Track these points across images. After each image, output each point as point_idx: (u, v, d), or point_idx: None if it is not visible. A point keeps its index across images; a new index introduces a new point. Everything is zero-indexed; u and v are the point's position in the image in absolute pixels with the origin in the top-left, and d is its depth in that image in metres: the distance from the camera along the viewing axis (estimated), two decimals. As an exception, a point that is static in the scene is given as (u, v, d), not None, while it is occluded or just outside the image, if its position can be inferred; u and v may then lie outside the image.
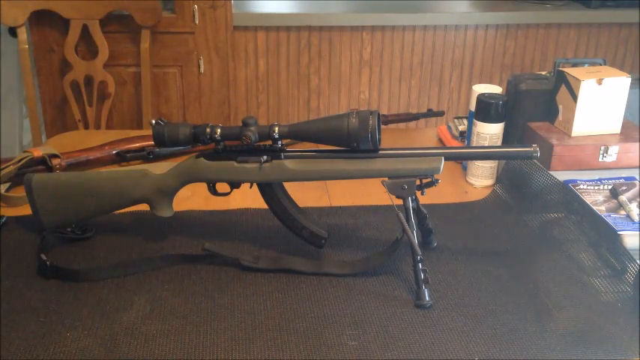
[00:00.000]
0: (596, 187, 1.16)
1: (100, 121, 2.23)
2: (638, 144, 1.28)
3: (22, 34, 2.13)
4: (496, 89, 1.32)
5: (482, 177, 1.30)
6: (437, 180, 0.97)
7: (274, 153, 0.99)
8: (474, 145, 1.29)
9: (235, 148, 1.00)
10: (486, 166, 1.29)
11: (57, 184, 1.07)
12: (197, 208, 1.20)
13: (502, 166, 1.29)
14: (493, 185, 1.30)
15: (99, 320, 0.89)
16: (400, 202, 0.96)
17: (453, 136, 1.48)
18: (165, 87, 2.38)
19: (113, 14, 2.18)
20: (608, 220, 1.04)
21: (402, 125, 2.12)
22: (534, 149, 0.95)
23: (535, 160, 1.20)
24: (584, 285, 0.98)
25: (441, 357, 0.83)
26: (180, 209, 1.16)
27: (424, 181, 0.97)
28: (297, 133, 0.97)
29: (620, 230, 1.01)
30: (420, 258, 0.93)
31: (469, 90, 2.15)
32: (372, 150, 0.96)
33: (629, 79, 1.29)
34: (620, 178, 1.20)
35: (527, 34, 2.52)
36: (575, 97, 1.29)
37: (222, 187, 1.04)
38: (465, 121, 1.45)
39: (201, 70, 2.37)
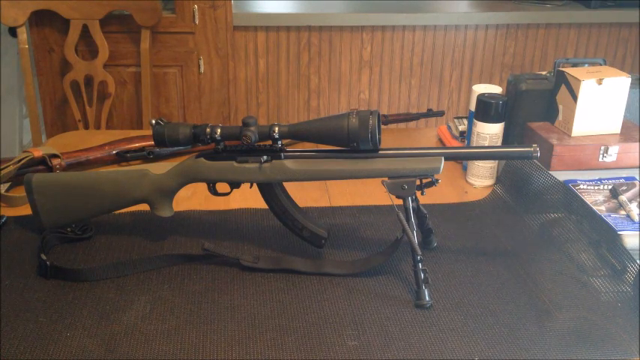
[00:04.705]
0: (596, 187, 1.16)
1: (100, 121, 2.23)
2: (638, 144, 1.28)
3: (22, 34, 2.13)
4: (496, 89, 1.32)
5: (482, 177, 1.30)
6: (437, 180, 0.97)
7: (274, 153, 0.99)
8: (474, 145, 1.29)
9: (235, 148, 1.00)
10: (486, 166, 1.29)
11: (57, 184, 1.07)
12: (197, 208, 1.20)
13: (502, 166, 1.29)
14: (493, 185, 1.30)
15: (99, 320, 0.89)
16: (400, 202, 0.96)
17: (453, 136, 1.48)
18: (166, 87, 2.38)
19: (113, 14, 2.18)
20: (608, 220, 1.04)
21: (402, 125, 2.13)
22: (534, 149, 0.94)
23: (535, 160, 1.20)
24: (584, 285, 0.98)
25: (441, 357, 0.83)
26: (180, 209, 1.16)
27: (424, 181, 0.97)
28: (297, 133, 0.97)
29: (620, 230, 1.01)
30: (420, 258, 0.93)
31: (469, 90, 2.15)
32: (372, 150, 0.96)
33: (629, 79, 1.29)
34: (620, 178, 1.20)
35: (527, 34, 2.52)
36: (575, 97, 1.29)
37: (222, 187, 1.04)
38: (465, 121, 1.45)
39: (201, 70, 2.37)
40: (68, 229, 1.08)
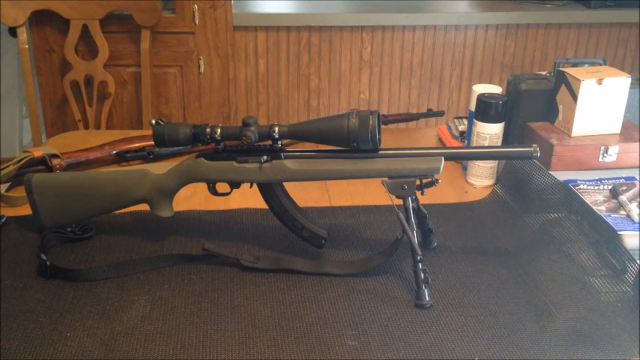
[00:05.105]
0: (596, 187, 1.16)
1: (100, 121, 2.23)
2: (638, 144, 1.28)
3: (22, 34, 2.13)
4: (496, 89, 1.32)
5: (482, 177, 1.30)
6: (437, 180, 0.97)
7: (274, 153, 0.99)
8: (474, 145, 1.29)
9: (235, 148, 1.00)
10: (486, 166, 1.29)
11: (57, 184, 1.07)
12: (197, 208, 1.20)
13: (502, 166, 1.29)
14: (493, 185, 1.30)
15: (99, 320, 0.89)
16: (400, 202, 0.96)
17: (453, 136, 1.48)
18: (166, 87, 2.38)
19: (113, 14, 2.18)
20: (608, 220, 1.04)
21: (402, 125, 2.13)
22: (534, 149, 0.95)
23: (535, 160, 1.20)
24: (584, 285, 0.98)
25: (441, 357, 0.83)
26: (180, 209, 1.16)
27: (424, 181, 0.97)
28: (297, 133, 0.97)
29: (620, 230, 1.01)
30: (420, 258, 0.93)
31: (469, 90, 2.15)
32: (372, 150, 0.96)
33: (629, 79, 1.29)
34: (620, 178, 1.20)
35: (527, 34, 2.52)
36: (575, 97, 1.29)
37: (222, 187, 1.04)
38: (465, 121, 1.45)
39: (201, 70, 2.37)
40: (68, 229, 1.08)
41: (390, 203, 0.95)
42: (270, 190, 1.03)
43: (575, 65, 1.39)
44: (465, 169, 1.35)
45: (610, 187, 1.15)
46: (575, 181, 1.18)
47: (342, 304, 0.93)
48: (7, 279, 0.98)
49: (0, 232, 1.10)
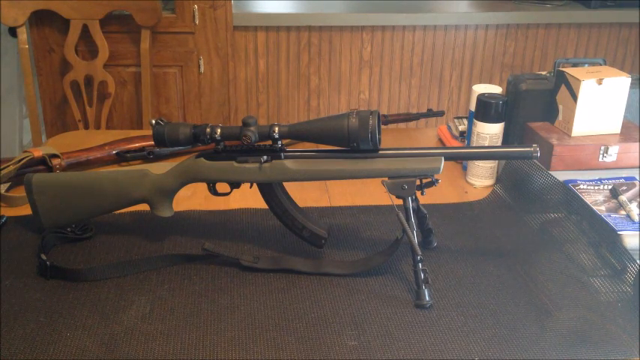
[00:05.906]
0: (596, 187, 1.16)
1: (100, 121, 2.23)
2: (638, 144, 1.28)
3: (22, 34, 2.13)
4: (496, 89, 1.32)
5: (482, 177, 1.30)
6: (437, 180, 0.97)
7: (274, 153, 0.99)
8: (474, 145, 1.29)
9: (235, 148, 1.00)
10: (486, 166, 1.29)
11: (57, 184, 1.07)
12: (197, 208, 1.20)
13: (502, 166, 1.29)
14: (493, 185, 1.30)
15: (99, 320, 0.89)
16: (400, 202, 0.96)
17: (453, 136, 1.48)
18: (165, 87, 2.38)
19: (113, 14, 2.18)
20: (608, 220, 1.04)
21: (402, 125, 2.13)
22: (534, 149, 0.95)
23: (535, 160, 1.20)
24: (584, 285, 0.98)
25: (441, 357, 0.83)
26: (180, 209, 1.16)
27: (424, 181, 0.97)
28: (297, 133, 0.97)
29: (620, 230, 1.01)
30: (420, 258, 0.93)
31: (469, 90, 2.15)
32: (372, 150, 0.96)
33: (629, 79, 1.29)
34: (620, 178, 1.20)
35: (527, 34, 2.52)
36: (575, 97, 1.29)
37: (222, 187, 1.04)
38: (465, 121, 1.45)
39: (201, 70, 2.37)
40: (68, 229, 1.08)
41: (390, 203, 0.95)
42: (270, 190, 1.03)
43: (575, 65, 1.39)
44: (465, 169, 1.35)
45: (610, 187, 1.16)
46: (575, 181, 1.18)
47: (342, 304, 0.93)
48: (7, 279, 0.98)
49: (0, 232, 1.10)
